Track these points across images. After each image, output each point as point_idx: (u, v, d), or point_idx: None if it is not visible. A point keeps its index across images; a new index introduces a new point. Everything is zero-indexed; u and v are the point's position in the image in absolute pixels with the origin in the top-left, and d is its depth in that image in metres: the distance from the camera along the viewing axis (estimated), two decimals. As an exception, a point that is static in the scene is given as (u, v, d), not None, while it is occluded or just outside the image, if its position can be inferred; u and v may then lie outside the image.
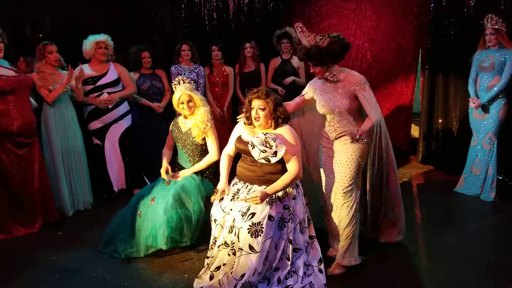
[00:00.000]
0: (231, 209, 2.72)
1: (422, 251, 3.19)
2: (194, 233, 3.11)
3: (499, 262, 2.99)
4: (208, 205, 3.01)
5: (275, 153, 2.59)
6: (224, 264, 2.61)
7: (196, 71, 4.82)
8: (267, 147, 2.59)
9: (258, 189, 2.70)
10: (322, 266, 2.74)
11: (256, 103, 2.74)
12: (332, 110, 2.81)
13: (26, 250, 3.30)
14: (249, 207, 2.61)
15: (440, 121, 5.29)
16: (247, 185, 2.79)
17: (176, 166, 3.43)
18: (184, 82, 3.27)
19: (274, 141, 2.58)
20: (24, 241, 3.47)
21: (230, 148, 2.96)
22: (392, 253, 2.85)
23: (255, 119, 2.75)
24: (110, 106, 4.21)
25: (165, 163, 3.38)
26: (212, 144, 3.30)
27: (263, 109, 2.72)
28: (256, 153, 2.62)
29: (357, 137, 2.74)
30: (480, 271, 2.88)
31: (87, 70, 4.16)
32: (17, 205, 3.58)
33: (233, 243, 2.59)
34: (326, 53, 2.64)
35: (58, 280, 2.83)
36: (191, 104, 3.28)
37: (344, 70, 2.81)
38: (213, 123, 3.36)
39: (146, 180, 4.52)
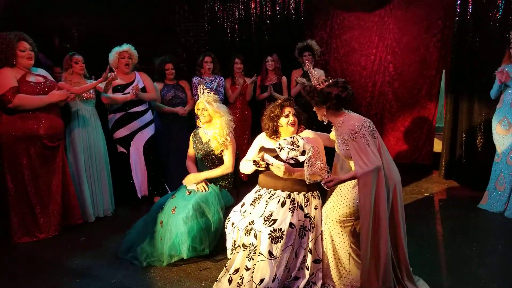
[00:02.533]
0: (250, 213, 2.76)
1: (444, 268, 3.11)
2: (213, 242, 3.15)
3: (526, 282, 2.89)
4: (226, 215, 3.03)
5: (303, 151, 2.66)
6: (247, 269, 2.61)
7: (216, 81, 4.91)
8: (295, 146, 2.68)
9: (281, 194, 2.76)
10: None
11: (291, 110, 2.87)
12: (340, 153, 2.74)
13: (48, 255, 3.37)
14: (271, 213, 2.65)
15: (464, 135, 5.18)
16: (270, 191, 2.85)
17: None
18: (203, 92, 3.35)
19: (302, 140, 2.69)
20: (47, 246, 3.55)
21: (250, 157, 3.01)
22: (414, 269, 2.80)
23: (290, 124, 2.85)
24: (134, 95, 4.26)
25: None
26: (228, 157, 3.33)
27: (296, 115, 2.87)
28: (284, 154, 2.69)
29: (325, 182, 2.52)
30: (505, 290, 2.79)
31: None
32: (39, 208, 3.67)
33: (253, 245, 2.59)
34: (317, 95, 2.61)
35: (79, 285, 2.88)
36: (204, 113, 3.34)
37: (346, 115, 2.64)
38: (233, 136, 3.40)
39: (167, 188, 4.59)
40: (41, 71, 3.77)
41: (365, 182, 2.43)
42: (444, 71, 5.80)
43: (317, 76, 2.66)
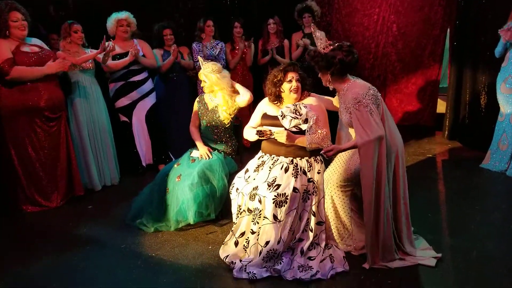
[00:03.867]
0: (254, 179, 2.80)
1: (445, 227, 3.18)
2: (218, 207, 3.22)
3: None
4: (230, 181, 3.08)
5: (306, 120, 2.65)
6: (252, 232, 2.68)
7: (218, 47, 4.82)
8: (298, 114, 2.66)
9: (284, 160, 2.79)
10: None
11: (295, 75, 2.81)
12: (342, 121, 2.72)
13: (57, 223, 3.45)
14: (275, 179, 2.69)
15: (468, 96, 5.14)
16: (273, 157, 2.87)
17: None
18: (202, 64, 3.32)
19: (305, 108, 2.67)
20: (55, 215, 3.62)
21: (253, 124, 3.01)
22: (415, 227, 2.86)
23: (292, 90, 2.80)
24: (134, 56, 4.22)
25: (204, 146, 3.38)
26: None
27: (299, 81, 2.82)
28: (287, 122, 2.69)
29: (325, 151, 2.52)
30: (504, 246, 2.85)
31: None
32: (45, 178, 3.71)
33: (258, 210, 2.65)
34: (321, 60, 2.55)
35: (90, 251, 2.97)
36: (205, 84, 3.33)
37: (350, 81, 2.60)
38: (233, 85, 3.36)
39: (171, 156, 4.63)
40: (36, 41, 3.70)
41: (366, 152, 2.43)
42: (448, 30, 5.66)
43: (322, 40, 2.60)
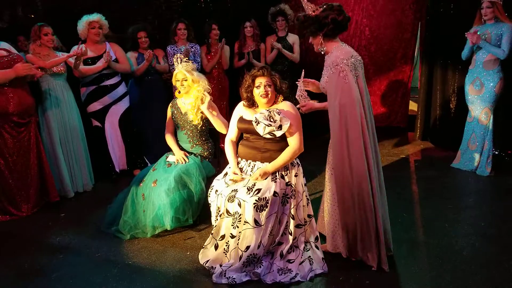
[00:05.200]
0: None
1: (419, 225, 3.25)
2: (196, 212, 3.18)
3: (496, 234, 3.06)
4: (208, 185, 3.05)
5: (280, 126, 2.65)
6: (232, 236, 2.65)
7: (192, 50, 4.77)
8: (272, 121, 2.66)
9: (260, 166, 2.78)
10: (318, 243, 2.81)
11: (263, 80, 2.79)
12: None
13: (28, 232, 3.33)
14: (254, 183, 2.68)
15: (438, 98, 5.29)
16: (249, 162, 2.86)
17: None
18: (181, 61, 3.28)
19: (279, 115, 2.65)
20: (26, 223, 3.50)
21: (232, 134, 3.00)
22: (391, 227, 2.91)
23: (262, 96, 2.78)
24: (107, 62, 4.15)
25: (180, 151, 3.34)
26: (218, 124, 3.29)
27: (270, 86, 2.79)
28: (261, 129, 2.67)
29: (300, 106, 2.68)
30: (476, 243, 2.94)
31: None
32: (15, 186, 3.58)
33: (237, 213, 2.62)
34: (313, 23, 2.55)
35: (63, 260, 2.88)
36: (184, 83, 3.27)
37: (338, 45, 2.59)
38: (211, 103, 3.32)
39: (147, 161, 4.55)
40: (4, 45, 3.57)
41: (334, 114, 2.50)
42: (419, 33, 5.82)
43: (310, 5, 2.58)
